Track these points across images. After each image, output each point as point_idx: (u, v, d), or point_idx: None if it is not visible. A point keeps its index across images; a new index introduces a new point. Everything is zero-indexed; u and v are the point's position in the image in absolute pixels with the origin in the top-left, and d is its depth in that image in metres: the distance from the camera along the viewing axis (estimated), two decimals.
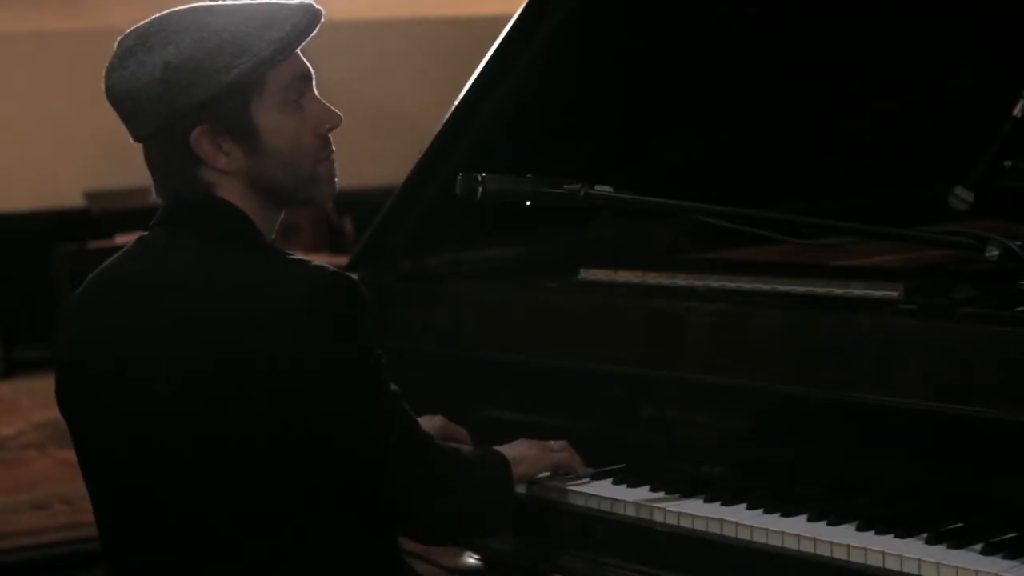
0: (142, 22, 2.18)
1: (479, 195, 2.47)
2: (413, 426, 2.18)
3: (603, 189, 2.49)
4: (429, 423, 2.45)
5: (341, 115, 2.22)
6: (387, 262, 2.99)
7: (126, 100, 2.14)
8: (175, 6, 2.20)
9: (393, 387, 2.16)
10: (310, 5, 2.17)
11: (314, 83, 2.21)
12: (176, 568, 2.14)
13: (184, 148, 2.14)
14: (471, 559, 3.20)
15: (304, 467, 2.09)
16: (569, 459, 2.44)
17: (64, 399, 2.24)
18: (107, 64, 2.17)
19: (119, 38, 2.18)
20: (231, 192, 2.17)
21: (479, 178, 2.47)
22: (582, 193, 2.48)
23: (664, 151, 3.10)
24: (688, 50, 3.03)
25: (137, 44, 2.14)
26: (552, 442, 2.45)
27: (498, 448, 2.37)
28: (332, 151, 2.24)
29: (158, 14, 2.17)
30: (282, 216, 2.25)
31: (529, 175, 2.49)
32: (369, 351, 2.12)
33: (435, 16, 10.15)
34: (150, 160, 2.20)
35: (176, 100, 2.11)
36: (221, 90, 2.11)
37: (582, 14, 2.88)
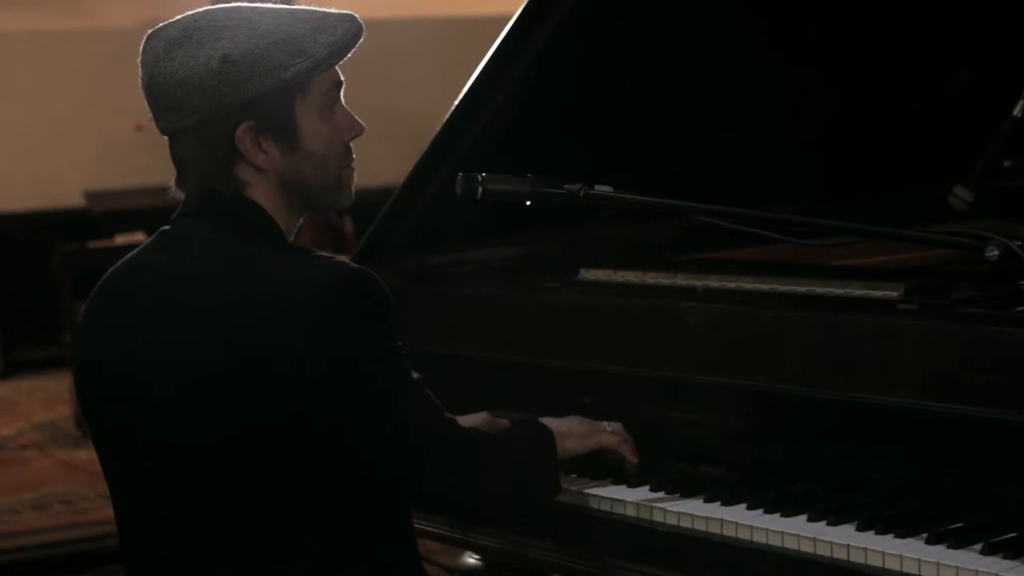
0: (178, 17, 2.18)
1: (479, 195, 2.48)
2: (436, 411, 2.19)
3: (603, 189, 2.49)
4: (474, 420, 2.47)
5: (364, 125, 2.26)
6: (387, 262, 2.99)
7: (173, 89, 2.14)
8: (177, 7, 2.21)
9: (415, 375, 2.17)
10: (355, 16, 2.21)
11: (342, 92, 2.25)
12: (194, 562, 2.14)
13: (225, 143, 2.15)
14: (471, 559, 3.21)
15: (324, 459, 2.10)
16: (620, 443, 2.42)
17: (83, 393, 2.26)
18: (146, 56, 2.17)
19: (151, 31, 2.19)
20: (260, 191, 2.19)
21: (479, 178, 2.47)
22: (582, 193, 2.48)
23: (664, 151, 3.10)
24: (687, 50, 3.04)
25: (182, 37, 2.14)
26: (606, 423, 2.44)
27: (547, 420, 2.37)
28: (354, 159, 2.27)
29: (196, 10, 2.18)
30: (301, 221, 2.27)
31: (529, 175, 2.49)
32: (391, 343, 2.14)
33: (435, 16, 10.16)
34: (182, 153, 2.19)
35: (228, 94, 2.12)
36: (274, 88, 2.13)
37: (581, 14, 2.88)
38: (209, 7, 2.19)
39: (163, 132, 2.20)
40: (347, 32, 2.18)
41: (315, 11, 2.19)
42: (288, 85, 2.15)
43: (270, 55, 2.12)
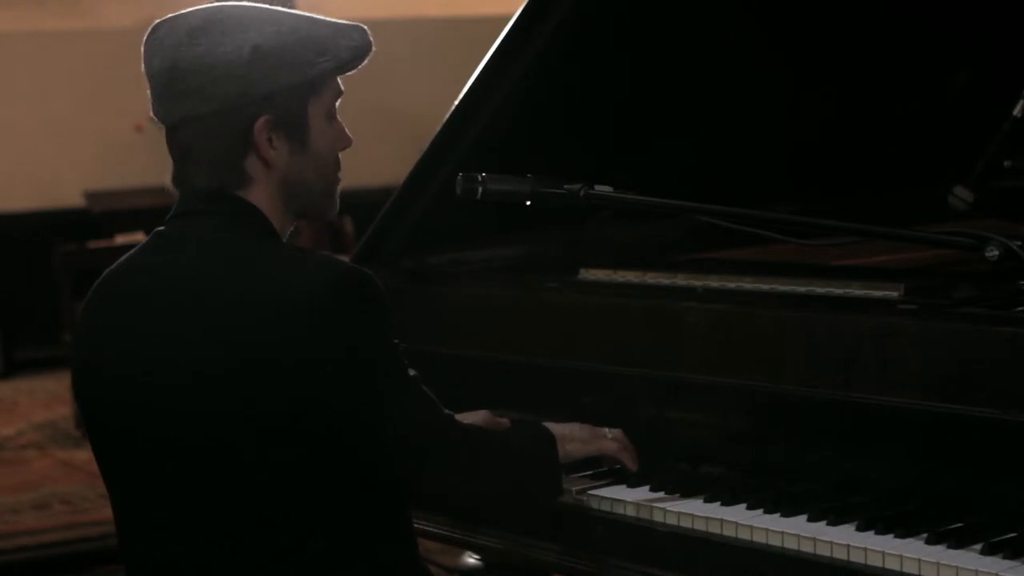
0: (191, 8, 2.17)
1: (479, 195, 2.48)
2: (435, 408, 2.19)
3: (603, 189, 2.49)
4: (473, 418, 2.47)
5: (352, 138, 2.28)
6: (387, 262, 2.99)
7: (199, 74, 2.12)
8: (176, 8, 2.20)
9: (412, 372, 2.18)
10: (364, 27, 2.23)
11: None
12: (193, 562, 2.15)
13: (240, 134, 2.15)
14: (471, 559, 3.21)
15: (324, 459, 2.10)
16: (620, 450, 2.43)
17: (81, 395, 2.26)
18: (161, 43, 2.15)
19: (158, 21, 2.17)
20: (261, 189, 2.19)
21: (479, 178, 2.47)
22: (582, 193, 2.48)
23: (664, 151, 3.10)
24: (687, 50, 3.04)
25: (205, 25, 2.13)
26: (607, 429, 2.44)
27: (548, 424, 2.37)
28: (340, 170, 2.29)
29: (207, 5, 2.18)
30: (293, 226, 2.28)
31: (529, 175, 2.49)
32: (387, 341, 2.14)
33: (435, 16, 10.16)
34: (188, 143, 2.17)
35: (255, 84, 2.12)
36: (298, 84, 2.15)
37: (581, 14, 2.88)
38: (219, 3, 2.18)
39: (170, 120, 2.17)
40: (362, 38, 2.21)
41: (326, 18, 2.21)
42: (311, 82, 2.16)
43: (297, 51, 2.14)
